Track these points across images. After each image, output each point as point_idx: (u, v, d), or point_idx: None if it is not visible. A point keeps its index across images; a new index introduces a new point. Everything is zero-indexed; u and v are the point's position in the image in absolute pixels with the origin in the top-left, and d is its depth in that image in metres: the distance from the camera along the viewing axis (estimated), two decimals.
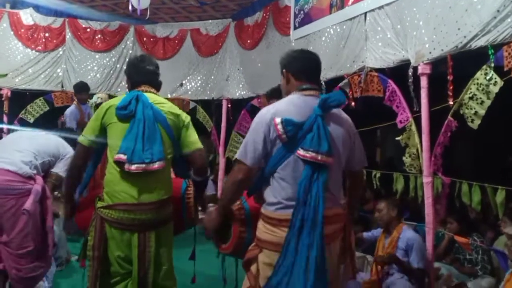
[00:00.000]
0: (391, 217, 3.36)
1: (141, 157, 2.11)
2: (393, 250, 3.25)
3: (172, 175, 2.39)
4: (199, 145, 2.30)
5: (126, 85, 2.46)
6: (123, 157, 2.12)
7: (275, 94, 2.82)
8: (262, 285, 1.84)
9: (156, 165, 2.14)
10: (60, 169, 2.83)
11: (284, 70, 2.04)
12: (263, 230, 1.88)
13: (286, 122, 1.81)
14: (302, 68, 2.01)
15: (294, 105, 1.90)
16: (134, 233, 2.16)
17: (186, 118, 2.33)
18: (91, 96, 5.54)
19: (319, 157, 1.80)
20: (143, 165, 2.11)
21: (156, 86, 2.37)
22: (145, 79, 2.33)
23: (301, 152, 1.81)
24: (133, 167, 2.11)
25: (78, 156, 2.31)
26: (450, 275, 3.56)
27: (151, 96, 2.27)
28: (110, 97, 5.18)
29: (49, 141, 2.93)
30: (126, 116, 2.18)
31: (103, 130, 2.23)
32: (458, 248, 3.83)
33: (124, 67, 6.52)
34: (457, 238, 3.63)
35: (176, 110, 2.33)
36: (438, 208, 3.60)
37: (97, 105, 5.26)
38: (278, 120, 1.82)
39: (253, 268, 1.91)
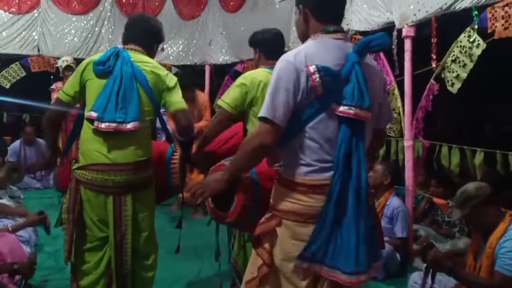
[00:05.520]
0: (381, 183, 3.32)
1: (113, 115, 2.02)
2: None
3: (162, 140, 2.32)
4: (182, 105, 2.20)
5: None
6: (93, 114, 2.04)
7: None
8: (280, 263, 1.57)
9: (130, 125, 2.04)
10: None
11: (300, 6, 1.62)
12: (285, 198, 1.56)
13: (323, 71, 1.48)
14: (325, 4, 1.59)
15: (326, 50, 1.54)
16: (109, 196, 2.09)
17: (171, 79, 2.21)
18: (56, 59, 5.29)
19: (363, 114, 1.49)
20: (114, 124, 2.02)
21: (146, 46, 2.24)
22: (132, 38, 2.23)
23: (341, 108, 1.48)
24: (103, 125, 2.02)
25: (52, 109, 2.22)
26: (427, 236, 3.66)
27: (134, 55, 2.17)
28: (77, 60, 4.96)
29: None
30: (104, 72, 2.08)
31: (82, 87, 2.15)
32: (436, 210, 3.93)
33: (103, 31, 6.40)
34: (435, 200, 3.71)
35: (160, 70, 2.20)
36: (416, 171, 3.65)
37: (64, 69, 5.11)
38: (312, 68, 1.48)
39: (267, 243, 1.60)
